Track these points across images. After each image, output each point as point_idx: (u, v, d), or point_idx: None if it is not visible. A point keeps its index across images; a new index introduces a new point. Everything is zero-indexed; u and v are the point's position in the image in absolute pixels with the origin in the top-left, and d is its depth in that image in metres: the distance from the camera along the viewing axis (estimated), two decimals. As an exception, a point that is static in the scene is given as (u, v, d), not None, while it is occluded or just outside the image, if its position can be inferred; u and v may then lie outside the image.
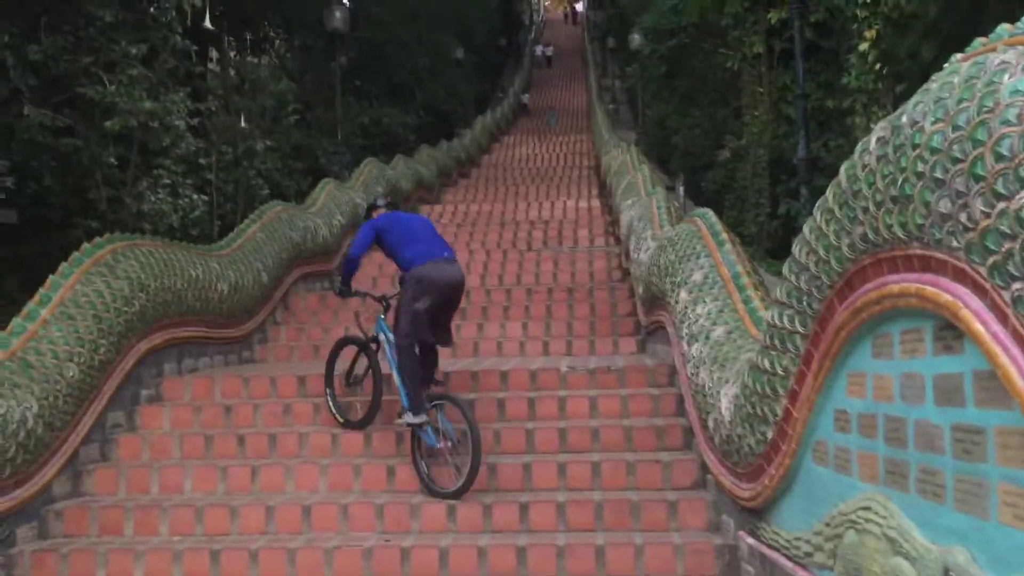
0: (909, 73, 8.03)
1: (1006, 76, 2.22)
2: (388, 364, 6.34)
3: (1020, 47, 2.25)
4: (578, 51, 51.10)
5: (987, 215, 2.20)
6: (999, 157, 2.16)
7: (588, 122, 31.98)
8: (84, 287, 6.39)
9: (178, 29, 10.48)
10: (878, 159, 2.75)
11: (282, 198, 12.63)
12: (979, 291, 2.29)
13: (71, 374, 5.99)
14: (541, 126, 33.80)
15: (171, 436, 6.62)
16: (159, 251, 7.44)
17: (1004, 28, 2.38)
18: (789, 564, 3.89)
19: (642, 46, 24.81)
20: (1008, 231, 2.13)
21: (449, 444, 5.81)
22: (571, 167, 23.61)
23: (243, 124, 12.94)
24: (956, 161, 2.32)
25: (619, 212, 12.62)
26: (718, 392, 4.94)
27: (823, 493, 3.54)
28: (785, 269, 3.69)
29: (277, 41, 19.75)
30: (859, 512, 3.11)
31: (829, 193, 3.17)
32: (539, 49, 51.04)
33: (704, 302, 5.83)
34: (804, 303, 3.50)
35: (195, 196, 10.52)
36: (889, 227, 2.69)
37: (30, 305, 6.08)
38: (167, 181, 10.20)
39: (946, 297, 2.44)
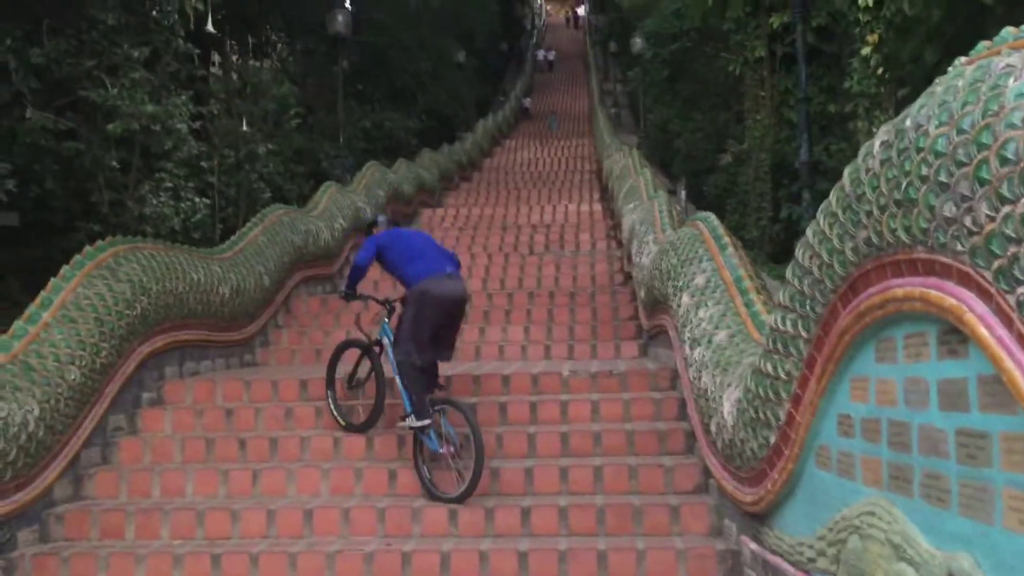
0: (911, 77, 8.03)
1: (1011, 79, 2.21)
2: (391, 367, 6.33)
3: (1025, 50, 2.25)
4: (580, 55, 51.14)
5: (992, 219, 2.19)
6: (1004, 161, 2.15)
7: (590, 126, 31.99)
8: (86, 290, 6.39)
9: (180, 33, 10.49)
10: (882, 163, 2.74)
11: (284, 201, 12.63)
12: (984, 295, 2.28)
13: (72, 377, 5.99)
14: (543, 130, 33.80)
15: (172, 439, 6.61)
16: (161, 254, 7.44)
17: (1009, 31, 2.37)
18: (792, 569, 3.88)
19: (644, 50, 24.83)
20: (1013, 235, 2.12)
21: (452, 449, 5.80)
22: (573, 171, 23.61)
23: (245, 128, 12.95)
24: (961, 165, 2.31)
25: (621, 216, 12.62)
26: (720, 396, 4.93)
27: (826, 498, 3.53)
28: (788, 273, 3.68)
29: (279, 45, 19.78)
30: (863, 517, 3.10)
31: (832, 197, 3.16)
32: (541, 53, 51.06)
33: (706, 306, 5.82)
34: (807, 307, 3.49)
35: (197, 199, 10.53)
36: (893, 231, 2.68)
37: (31, 308, 6.07)
38: (169, 184, 10.21)
39: (950, 301, 2.43)
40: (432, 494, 5.75)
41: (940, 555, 2.56)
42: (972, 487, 2.42)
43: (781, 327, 3.77)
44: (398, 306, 6.45)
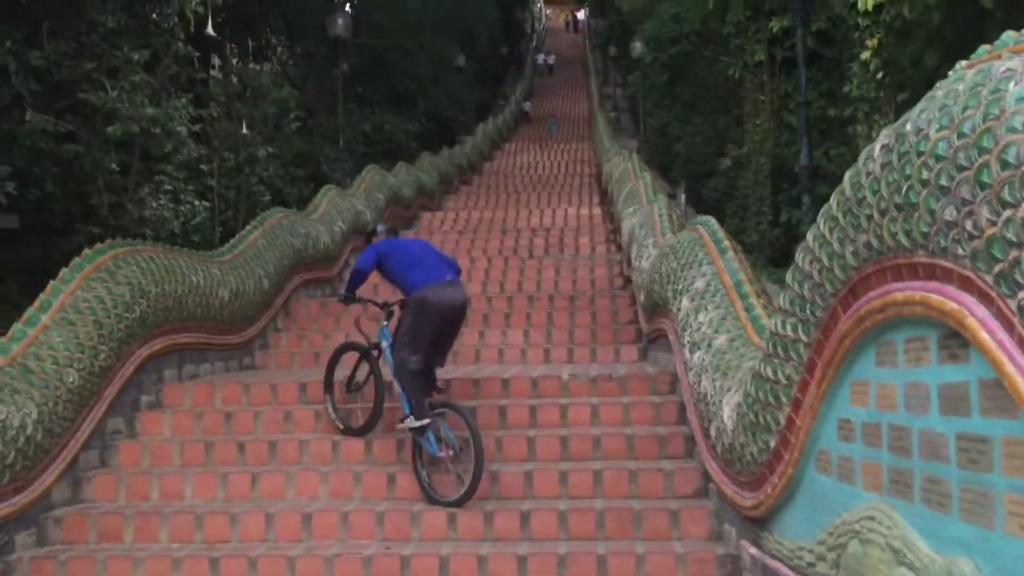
0: (911, 81, 8.03)
1: (1011, 83, 2.21)
2: (389, 371, 6.33)
3: (1026, 54, 2.24)
4: (579, 59, 51.17)
5: (993, 223, 2.19)
6: (1005, 164, 2.15)
7: (589, 130, 32.00)
8: (85, 293, 6.38)
9: (180, 35, 10.49)
10: (883, 166, 2.74)
11: (284, 205, 12.63)
12: (985, 299, 2.28)
13: (71, 380, 5.98)
14: (542, 134, 33.83)
15: (171, 442, 6.60)
16: (160, 257, 7.43)
17: (1009, 35, 2.37)
18: (792, 574, 3.87)
19: (644, 54, 24.84)
20: (1014, 239, 2.12)
21: (451, 452, 5.79)
22: (572, 175, 23.62)
23: (245, 130, 12.95)
24: (962, 168, 2.30)
25: (621, 220, 12.61)
26: (720, 400, 4.92)
27: (826, 502, 3.52)
28: (788, 277, 3.67)
29: (279, 48, 19.79)
30: (863, 522, 3.09)
31: (833, 201, 3.16)
32: (541, 58, 51.10)
33: (706, 310, 5.82)
34: (807, 311, 3.49)
35: (197, 202, 10.53)
36: (894, 235, 2.68)
37: (30, 311, 6.06)
38: (169, 187, 10.21)
39: (951, 305, 2.42)
40: (431, 498, 5.74)
41: (941, 560, 2.55)
42: (973, 492, 2.42)
43: (781, 331, 3.76)
44: (397, 309, 6.46)
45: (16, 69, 8.92)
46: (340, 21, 17.68)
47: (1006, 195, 2.14)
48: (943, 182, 2.38)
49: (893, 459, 2.91)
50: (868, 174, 2.84)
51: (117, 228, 9.56)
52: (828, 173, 12.44)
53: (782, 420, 3.85)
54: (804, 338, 3.56)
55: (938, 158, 2.41)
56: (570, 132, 34.07)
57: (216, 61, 16.52)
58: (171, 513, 5.70)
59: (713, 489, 5.43)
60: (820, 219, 3.28)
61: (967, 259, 2.32)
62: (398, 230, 7.20)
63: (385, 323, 6.54)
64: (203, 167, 11.73)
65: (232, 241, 9.57)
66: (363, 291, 6.80)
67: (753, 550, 4.53)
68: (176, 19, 10.36)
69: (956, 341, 2.48)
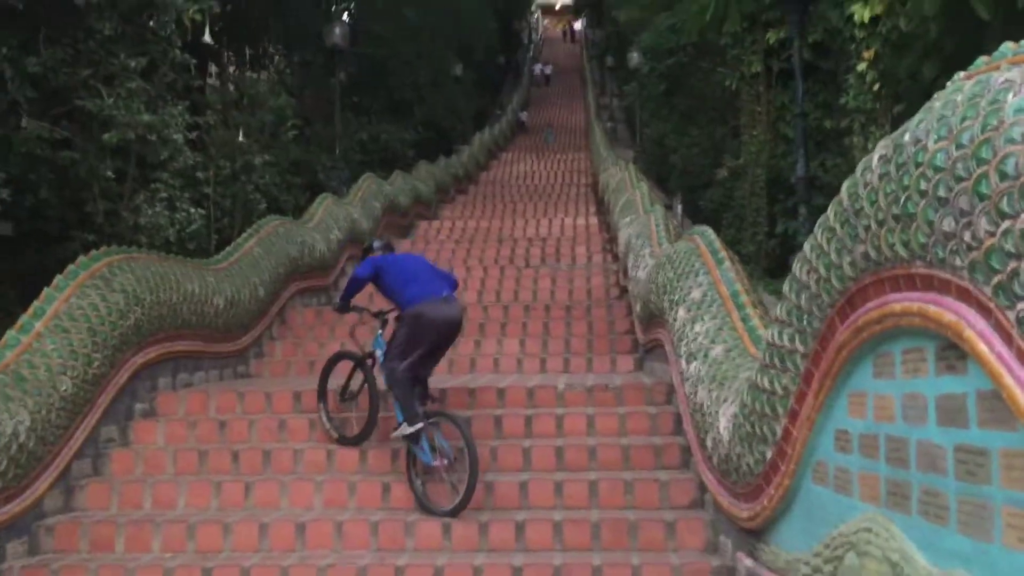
0: (908, 93, 8.05)
1: (1010, 95, 2.20)
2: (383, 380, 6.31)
3: (1024, 65, 2.24)
4: (576, 69, 51.28)
5: (991, 234, 2.18)
6: (1004, 176, 2.14)
7: (586, 140, 32.06)
8: (79, 300, 6.35)
9: (177, 43, 10.47)
10: (880, 177, 2.73)
11: (280, 213, 12.60)
12: (983, 311, 2.27)
13: (64, 388, 5.95)
14: (539, 143, 33.87)
15: (165, 451, 6.57)
16: (155, 264, 7.41)
17: (1007, 46, 2.37)
18: (788, 586, 3.85)
19: (641, 64, 24.86)
20: (1013, 250, 2.11)
21: (445, 462, 5.77)
22: (569, 184, 23.66)
23: (242, 138, 12.92)
24: (960, 179, 2.30)
25: (617, 229, 12.62)
26: (717, 411, 4.91)
27: (823, 514, 3.50)
28: (785, 287, 3.67)
29: (277, 56, 19.77)
30: (860, 534, 3.08)
31: (830, 211, 3.15)
32: (538, 68, 51.19)
33: (703, 320, 5.81)
34: (804, 322, 3.48)
35: (192, 210, 10.49)
36: (891, 245, 2.67)
37: (24, 318, 6.04)
38: (164, 195, 10.17)
39: (949, 317, 2.41)
40: (426, 507, 5.72)
41: (938, 573, 2.54)
42: (971, 504, 2.40)
43: (778, 342, 3.75)
44: (391, 318, 6.45)
45: (12, 75, 8.90)
46: (338, 30, 17.72)
47: (1005, 206, 2.14)
48: (941, 193, 2.38)
49: (890, 471, 2.90)
50: (866, 185, 2.84)
51: (112, 235, 9.52)
52: (824, 184, 12.45)
53: (779, 431, 3.84)
54: (801, 349, 3.55)
55: (936, 169, 2.40)
56: (567, 142, 34.12)
57: (213, 69, 16.51)
58: (164, 522, 5.67)
59: (709, 500, 5.42)
60: (817, 230, 3.27)
61: (965, 270, 2.31)
62: (394, 246, 7.21)
63: (380, 332, 6.53)
64: (199, 175, 11.70)
65: (228, 249, 9.54)
66: (358, 300, 6.79)
67: (749, 562, 4.51)
68: (173, 27, 10.34)
69: (954, 352, 2.48)
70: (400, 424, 5.94)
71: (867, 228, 2.82)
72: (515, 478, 6.01)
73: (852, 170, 2.99)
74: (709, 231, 6.78)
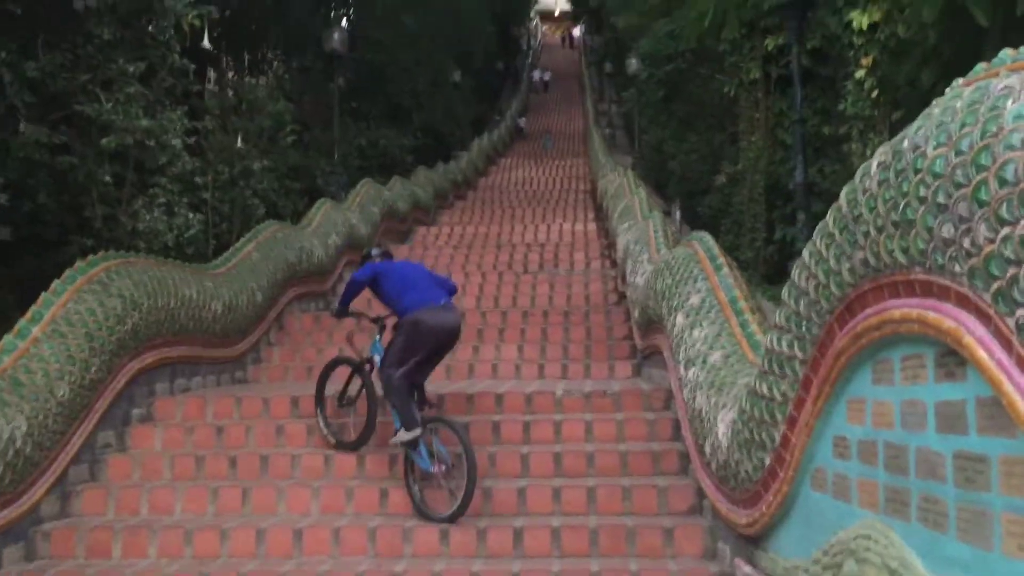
0: (906, 100, 8.05)
1: (1009, 101, 2.20)
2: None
3: (1023, 72, 2.24)
4: (575, 75, 51.35)
5: (991, 241, 2.18)
6: (1003, 182, 2.14)
7: (584, 146, 32.10)
8: (77, 305, 6.34)
9: (176, 48, 10.47)
10: (879, 183, 2.73)
11: (278, 218, 12.60)
12: (983, 317, 2.27)
13: (61, 393, 5.94)
14: (538, 150, 33.90)
15: (162, 456, 6.55)
16: (153, 269, 7.40)
17: (1007, 53, 2.37)
18: (787, 593, 3.84)
19: (639, 71, 24.90)
20: (1012, 257, 2.11)
21: (443, 468, 5.76)
22: (567, 190, 23.67)
23: (240, 144, 12.92)
24: (959, 186, 2.29)
25: (615, 235, 12.62)
26: (715, 417, 4.90)
27: (821, 521, 3.49)
28: (784, 294, 3.66)
29: (276, 62, 19.79)
30: (858, 540, 3.07)
31: (829, 217, 3.15)
32: (537, 74, 51.27)
33: (701, 326, 5.80)
34: (803, 328, 3.47)
35: (191, 215, 10.48)
36: (890, 252, 2.67)
37: (21, 322, 6.03)
38: (163, 200, 10.16)
39: (949, 323, 2.41)
40: (423, 514, 5.71)
41: (938, 580, 2.53)
42: (970, 511, 2.40)
43: (777, 348, 3.75)
44: (389, 323, 6.44)
45: (11, 80, 8.90)
46: (336, 36, 17.71)
47: (1004, 213, 2.13)
48: (941, 199, 2.37)
49: (889, 477, 2.89)
50: (865, 191, 2.83)
51: (110, 240, 9.51)
52: (823, 190, 12.46)
53: (777, 437, 3.83)
54: (800, 355, 3.54)
55: (935, 175, 2.40)
56: (565, 148, 34.15)
57: (212, 74, 16.52)
58: (161, 528, 5.65)
59: (707, 506, 5.41)
60: (816, 236, 3.27)
61: (965, 277, 2.31)
62: (393, 254, 7.20)
63: (378, 337, 6.52)
64: (198, 180, 11.70)
65: (226, 254, 9.53)
66: (356, 306, 6.78)
67: (748, 568, 4.50)
68: (172, 32, 10.35)
69: (953, 359, 2.47)
70: (398, 430, 5.93)
71: (866, 234, 2.82)
72: (513, 484, 6.00)
73: (850, 177, 2.99)
74: (707, 237, 6.78)
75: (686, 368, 5.82)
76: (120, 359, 6.80)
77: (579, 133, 36.91)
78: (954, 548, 2.47)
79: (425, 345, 6.04)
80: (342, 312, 6.63)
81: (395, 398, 5.95)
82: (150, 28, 10.16)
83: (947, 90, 2.55)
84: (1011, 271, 2.12)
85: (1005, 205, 2.13)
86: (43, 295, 6.25)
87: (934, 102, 2.57)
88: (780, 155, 14.46)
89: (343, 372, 6.85)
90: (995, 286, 2.18)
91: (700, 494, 5.61)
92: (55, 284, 6.36)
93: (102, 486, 6.28)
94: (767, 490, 4.03)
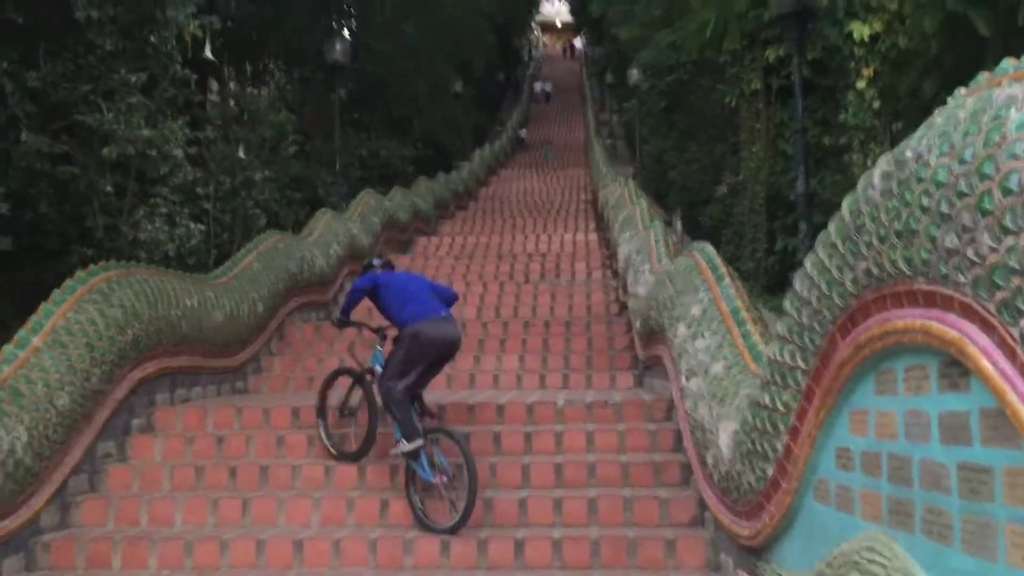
0: (908, 110, 8.06)
1: (1012, 110, 2.19)
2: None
3: (1026, 81, 2.23)
4: (576, 86, 51.46)
5: (995, 250, 2.17)
6: (1007, 192, 2.13)
7: (586, 157, 32.13)
8: (77, 315, 6.33)
9: (178, 58, 10.49)
10: (882, 193, 2.72)
11: (279, 228, 12.60)
12: (986, 327, 2.25)
13: (62, 403, 5.92)
14: (539, 160, 33.94)
15: (162, 467, 6.54)
16: (154, 279, 7.40)
17: (1009, 63, 2.36)
18: (789, 605, 3.82)
19: (640, 82, 24.93)
20: (1016, 267, 2.10)
21: (445, 478, 5.74)
22: (568, 200, 23.69)
23: (242, 154, 12.93)
24: (963, 195, 2.29)
25: (617, 246, 12.61)
26: (717, 428, 4.88)
27: (824, 532, 3.47)
28: (786, 304, 3.65)
29: (277, 72, 19.84)
30: (862, 552, 3.04)
31: (831, 227, 3.14)
32: (538, 86, 51.40)
33: (703, 336, 5.79)
34: (805, 338, 3.46)
35: (192, 225, 10.48)
36: (893, 262, 2.66)
37: (22, 332, 6.02)
38: (164, 210, 10.16)
39: (952, 333, 2.40)
40: (424, 524, 5.68)
41: (942, 592, 2.51)
42: (975, 523, 2.38)
43: (779, 358, 3.73)
44: (391, 334, 6.43)
45: (12, 90, 8.91)
46: (338, 46, 17.74)
47: (1008, 222, 2.12)
48: (944, 209, 2.37)
49: (893, 489, 2.87)
50: (867, 201, 2.82)
51: (112, 250, 9.51)
52: (823, 201, 12.45)
53: (780, 448, 3.81)
54: (802, 365, 3.53)
55: (939, 185, 2.39)
56: (566, 158, 34.19)
57: (214, 85, 16.56)
58: (161, 539, 5.63)
59: (709, 518, 5.38)
60: (819, 246, 3.26)
61: (968, 287, 2.30)
62: (394, 264, 7.20)
63: (379, 348, 6.51)
64: (199, 190, 11.71)
65: (227, 264, 9.53)
66: (358, 316, 6.77)
67: (750, 580, 4.48)
68: (174, 42, 10.37)
69: (957, 369, 2.46)
70: (399, 440, 5.91)
71: (869, 244, 2.81)
72: (514, 495, 5.97)
73: (852, 187, 2.98)
74: (709, 247, 6.77)
75: (688, 379, 5.80)
76: (120, 369, 6.79)
77: (580, 144, 36.96)
78: (959, 560, 2.45)
79: (425, 357, 6.05)
80: (343, 321, 6.63)
81: (396, 409, 5.94)
82: (152, 39, 10.17)
83: (949, 100, 2.54)
84: (1015, 281, 2.11)
85: (1009, 215, 2.12)
86: (43, 305, 6.24)
87: (936, 112, 2.56)
88: (781, 166, 14.46)
89: (345, 383, 6.84)
90: (999, 296, 2.17)
91: (702, 505, 5.59)
92: (56, 294, 6.36)
93: (102, 496, 6.26)
94: (769, 501, 4.01)
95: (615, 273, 12.70)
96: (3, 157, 9.04)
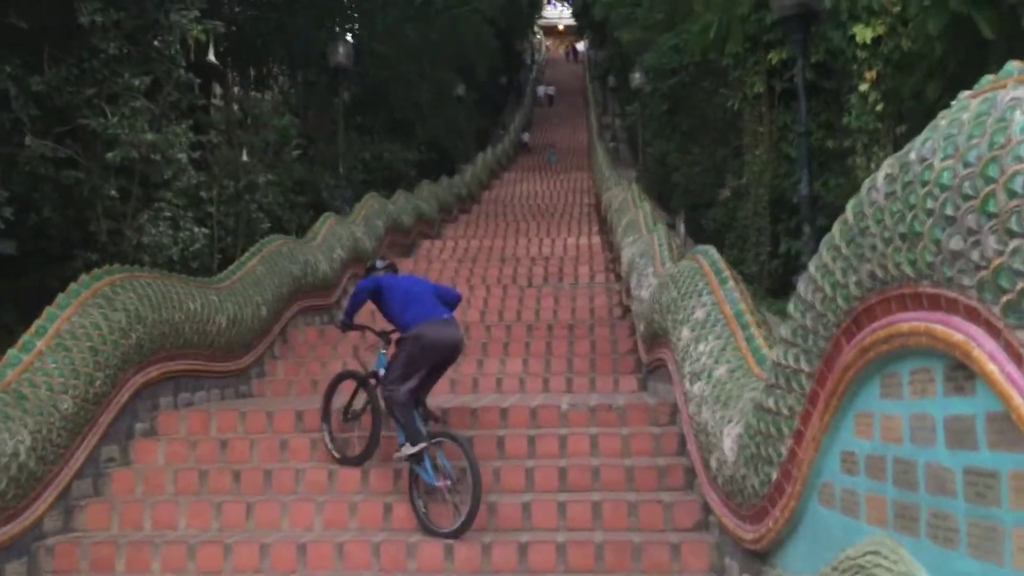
0: (911, 113, 8.06)
1: (1017, 112, 2.18)
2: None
3: (1031, 84, 2.23)
4: (579, 90, 51.49)
5: (1000, 253, 2.16)
6: (1012, 194, 2.12)
7: (589, 160, 32.13)
8: (81, 319, 6.34)
9: (182, 63, 10.51)
10: (886, 196, 2.71)
11: (283, 232, 12.62)
12: (992, 331, 2.24)
13: (65, 407, 5.92)
14: (541, 163, 33.96)
15: (165, 471, 6.54)
16: (157, 283, 7.40)
17: (1013, 65, 2.35)
18: (794, 609, 3.81)
19: (643, 84, 24.94)
20: (1022, 269, 2.09)
21: (448, 482, 5.73)
22: (572, 204, 23.69)
23: (245, 158, 12.95)
24: (967, 198, 2.28)
25: (620, 249, 12.61)
26: (721, 432, 4.87)
27: (829, 536, 3.46)
28: (790, 307, 3.64)
29: (280, 76, 19.89)
30: (867, 557, 3.03)
31: (836, 230, 3.13)
32: (541, 89, 51.45)
33: (706, 340, 5.78)
34: (810, 341, 3.45)
35: (196, 229, 10.50)
36: (898, 265, 2.65)
37: (25, 336, 6.03)
38: (168, 214, 10.18)
39: (957, 337, 2.39)
40: (428, 528, 5.68)
41: (948, 597, 2.50)
42: (981, 527, 2.37)
43: (783, 362, 3.72)
44: (395, 337, 6.43)
45: (16, 94, 8.93)
46: (341, 50, 17.77)
47: (1013, 225, 2.11)
48: (948, 211, 2.36)
49: (898, 493, 2.86)
50: (871, 203, 2.82)
51: (116, 254, 9.52)
52: (827, 204, 12.44)
53: (784, 452, 3.80)
54: (807, 368, 3.52)
55: (943, 187, 2.38)
56: (569, 162, 34.21)
57: (217, 89, 16.59)
58: (164, 543, 5.63)
59: (714, 522, 5.37)
60: (823, 248, 3.25)
61: (973, 289, 2.29)
62: (398, 267, 7.21)
63: (383, 351, 6.51)
64: (203, 194, 11.73)
65: (230, 268, 9.54)
66: (362, 320, 6.77)
67: (754, 584, 4.46)
68: (178, 47, 10.39)
69: (962, 373, 2.45)
70: (402, 444, 5.91)
71: (873, 247, 2.80)
72: (518, 499, 5.97)
73: (855, 190, 2.97)
74: (713, 250, 6.76)
75: (691, 382, 5.79)
76: (124, 373, 6.80)
77: (583, 147, 36.97)
78: (964, 564, 2.44)
79: (428, 360, 6.05)
80: (347, 324, 6.62)
81: (399, 413, 5.94)
82: (156, 43, 10.19)
83: (953, 103, 2.54)
84: (1020, 284, 2.10)
85: (1014, 217, 2.11)
86: (47, 309, 6.25)
87: (940, 114, 2.56)
88: (784, 168, 14.45)
89: (349, 386, 6.84)
90: (1004, 299, 2.16)
91: (706, 509, 5.58)
92: (59, 298, 6.36)
93: (106, 500, 6.26)
94: (774, 505, 3.99)
95: (618, 277, 12.70)
96: (7, 161, 9.06)
